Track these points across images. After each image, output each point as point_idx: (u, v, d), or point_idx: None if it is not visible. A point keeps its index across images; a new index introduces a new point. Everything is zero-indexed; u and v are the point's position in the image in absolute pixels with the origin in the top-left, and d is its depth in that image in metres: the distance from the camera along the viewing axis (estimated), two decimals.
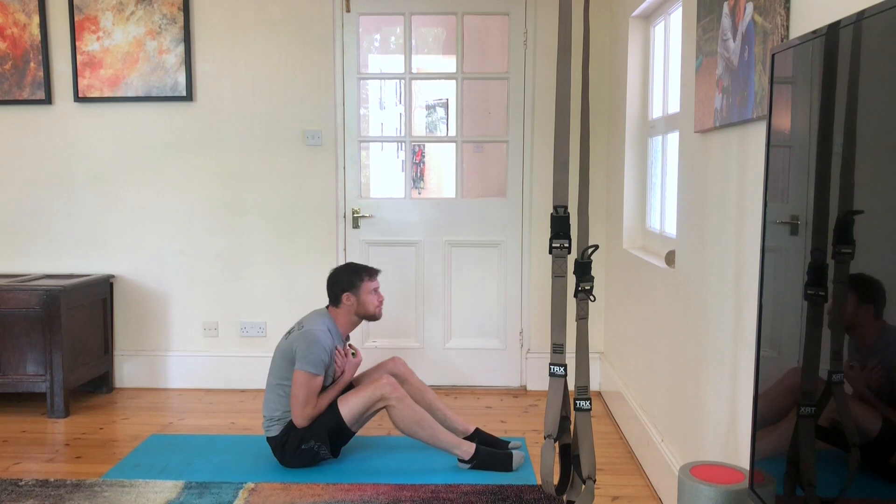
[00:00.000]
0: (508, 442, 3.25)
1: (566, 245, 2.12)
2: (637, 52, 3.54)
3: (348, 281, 3.19)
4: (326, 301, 4.18)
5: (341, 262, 4.18)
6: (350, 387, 3.25)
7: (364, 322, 4.22)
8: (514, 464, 3.05)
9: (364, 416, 3.06)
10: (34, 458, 3.24)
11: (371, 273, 3.23)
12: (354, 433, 3.09)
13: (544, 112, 4.09)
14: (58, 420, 3.73)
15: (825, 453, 1.25)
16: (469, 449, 3.04)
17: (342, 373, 3.16)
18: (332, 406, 3.03)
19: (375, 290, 3.22)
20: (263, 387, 4.17)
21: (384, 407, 3.03)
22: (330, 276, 3.26)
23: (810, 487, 1.29)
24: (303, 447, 3.02)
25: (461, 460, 3.04)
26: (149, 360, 4.26)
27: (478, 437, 3.23)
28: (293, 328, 3.17)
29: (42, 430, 3.60)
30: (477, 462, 3.03)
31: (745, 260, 2.03)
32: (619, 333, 3.77)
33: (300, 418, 3.01)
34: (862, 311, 1.13)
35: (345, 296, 3.18)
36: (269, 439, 3.10)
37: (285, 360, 3.08)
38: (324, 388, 3.10)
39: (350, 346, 3.26)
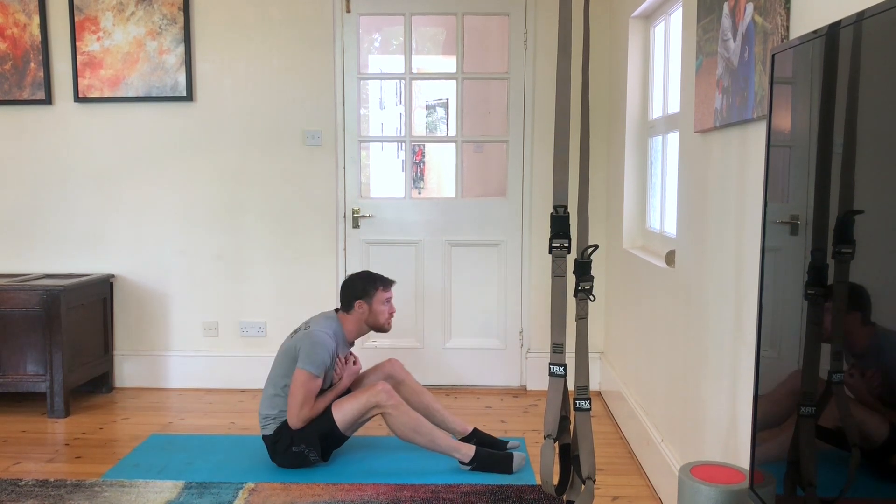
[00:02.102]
0: (507, 442, 3.25)
1: (566, 245, 2.12)
2: (637, 52, 3.54)
3: (363, 288, 3.16)
4: (329, 302, 4.21)
5: (341, 262, 4.19)
6: (347, 392, 3.25)
7: None
8: (515, 466, 3.04)
9: (358, 422, 3.05)
10: (34, 458, 3.24)
11: (386, 283, 3.20)
12: (347, 438, 3.08)
13: (544, 112, 4.10)
14: (58, 420, 3.73)
15: (825, 453, 1.25)
16: (469, 451, 3.03)
17: (340, 379, 3.15)
18: (326, 410, 3.02)
19: (388, 300, 3.20)
20: (263, 387, 4.17)
21: (379, 413, 3.02)
22: (345, 281, 3.24)
23: (810, 487, 1.29)
24: (293, 450, 3.01)
25: (462, 462, 3.04)
26: (149, 359, 4.26)
27: (476, 437, 3.22)
28: (300, 327, 3.15)
29: (42, 430, 3.60)
30: (477, 464, 3.03)
31: (745, 260, 2.03)
32: (619, 333, 3.77)
33: (295, 418, 2.99)
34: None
35: (357, 303, 3.15)
36: (264, 437, 3.09)
37: (287, 359, 3.07)
38: (321, 392, 3.10)
39: (351, 353, 3.25)
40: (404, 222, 4.20)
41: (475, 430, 3.25)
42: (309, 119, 4.12)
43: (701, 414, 2.40)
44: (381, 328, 3.21)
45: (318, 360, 3.01)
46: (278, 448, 3.03)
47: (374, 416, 3.05)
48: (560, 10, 2.10)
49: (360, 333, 3.22)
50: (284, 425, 3.04)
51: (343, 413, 3.00)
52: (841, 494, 1.18)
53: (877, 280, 1.09)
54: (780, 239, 1.46)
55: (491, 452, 3.06)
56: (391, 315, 3.21)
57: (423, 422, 3.02)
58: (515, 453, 3.07)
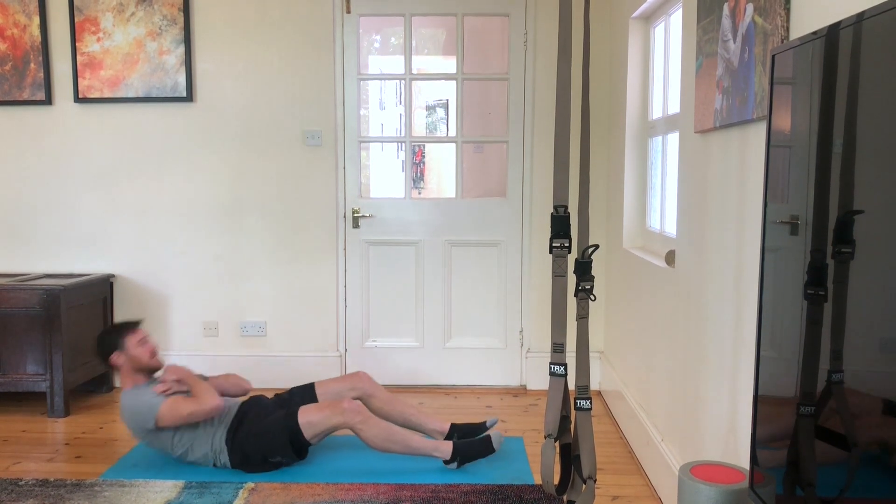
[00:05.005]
0: (485, 422, 3.25)
1: (566, 244, 2.13)
2: (637, 52, 3.54)
3: (110, 343, 3.12)
4: (328, 302, 4.21)
5: (341, 262, 4.19)
6: (316, 400, 3.24)
7: (363, 322, 4.23)
8: (495, 444, 3.05)
9: (324, 434, 3.04)
10: (34, 457, 3.25)
11: (131, 327, 3.15)
12: (314, 445, 3.07)
13: (544, 112, 4.10)
14: (58, 420, 3.73)
15: (825, 453, 1.26)
16: (447, 448, 3.03)
17: (178, 380, 3.09)
18: (293, 419, 2.99)
19: (142, 341, 3.13)
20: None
21: (348, 429, 3.01)
22: (95, 342, 3.19)
23: (810, 487, 1.30)
24: (270, 461, 3.02)
25: (444, 462, 3.05)
26: None
27: (456, 432, 3.23)
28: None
29: (42, 429, 3.60)
30: (460, 457, 3.03)
31: (745, 260, 2.03)
32: (619, 333, 3.77)
33: (211, 410, 2.97)
34: None
35: (113, 356, 3.11)
36: (232, 468, 3.07)
37: (146, 434, 3.04)
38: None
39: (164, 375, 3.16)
40: (404, 222, 4.20)
41: (452, 424, 3.25)
42: (309, 119, 4.13)
43: (701, 414, 2.40)
44: (150, 368, 3.14)
45: (147, 404, 2.98)
46: (251, 463, 3.03)
47: (340, 429, 3.04)
48: (560, 11, 2.10)
49: (147, 372, 3.15)
50: (232, 449, 3.02)
51: (309, 421, 2.98)
52: (841, 494, 1.19)
53: (877, 280, 1.09)
54: (780, 239, 1.46)
55: (468, 442, 3.06)
56: (153, 354, 3.14)
57: (395, 429, 3.01)
58: (492, 433, 3.08)
